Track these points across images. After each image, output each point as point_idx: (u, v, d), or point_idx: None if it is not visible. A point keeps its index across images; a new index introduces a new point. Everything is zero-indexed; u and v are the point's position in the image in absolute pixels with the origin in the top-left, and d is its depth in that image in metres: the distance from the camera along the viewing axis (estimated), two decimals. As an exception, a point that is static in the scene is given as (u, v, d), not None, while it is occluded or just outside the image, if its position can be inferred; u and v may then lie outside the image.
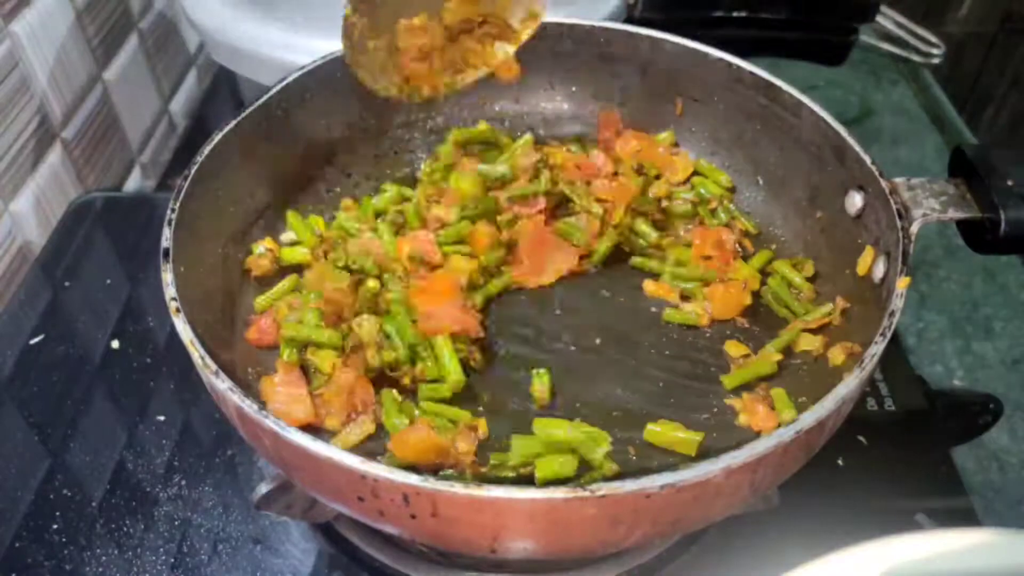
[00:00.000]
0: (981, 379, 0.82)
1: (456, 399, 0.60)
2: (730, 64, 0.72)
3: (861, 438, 0.70)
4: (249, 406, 0.48)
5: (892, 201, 0.58)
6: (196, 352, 0.51)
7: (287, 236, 0.71)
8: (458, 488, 0.44)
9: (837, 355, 0.60)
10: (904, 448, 0.71)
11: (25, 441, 0.71)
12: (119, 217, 0.93)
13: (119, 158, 1.05)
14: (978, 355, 0.84)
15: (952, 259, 0.94)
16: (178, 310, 0.53)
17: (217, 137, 0.64)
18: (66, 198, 0.94)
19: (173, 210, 0.58)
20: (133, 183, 1.08)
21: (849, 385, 0.49)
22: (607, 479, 0.49)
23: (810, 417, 0.47)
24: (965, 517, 0.66)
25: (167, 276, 0.54)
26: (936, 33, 1.26)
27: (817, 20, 1.19)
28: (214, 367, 0.50)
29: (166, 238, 0.57)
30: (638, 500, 0.44)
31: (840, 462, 0.69)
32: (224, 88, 1.24)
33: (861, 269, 0.62)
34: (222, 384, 0.49)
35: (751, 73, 0.71)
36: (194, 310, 0.55)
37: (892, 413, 0.73)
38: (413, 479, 0.44)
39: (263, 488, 0.58)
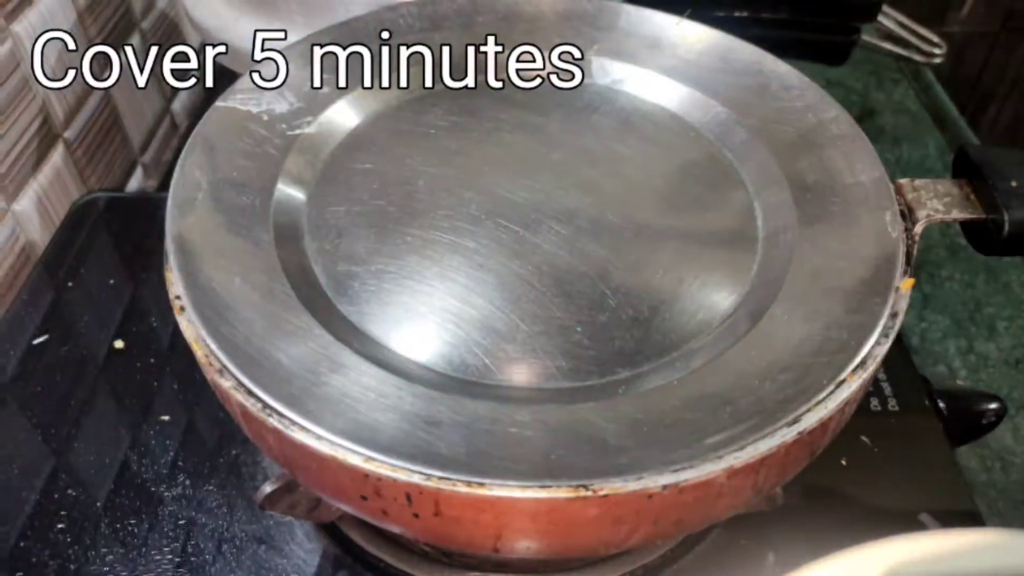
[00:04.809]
0: (984, 379, 0.82)
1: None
2: (733, 64, 0.72)
3: (865, 438, 0.70)
4: (253, 404, 0.48)
5: (896, 202, 0.58)
6: (200, 350, 0.51)
7: None
8: (460, 487, 0.44)
9: None
10: (908, 448, 0.70)
11: (29, 441, 0.71)
12: (121, 217, 0.93)
13: (121, 158, 1.05)
14: (981, 355, 0.84)
15: (955, 259, 0.94)
16: (182, 308, 0.53)
17: (220, 137, 0.64)
18: (68, 198, 0.94)
19: (177, 210, 0.58)
20: (135, 183, 1.08)
21: (852, 386, 0.49)
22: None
23: (812, 417, 0.47)
24: (969, 517, 0.66)
25: (170, 274, 0.54)
26: (938, 33, 1.26)
27: (818, 20, 1.19)
28: (218, 364, 0.50)
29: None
30: (640, 500, 0.44)
31: (844, 462, 0.69)
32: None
33: (864, 269, 0.62)
34: (226, 382, 0.49)
35: (754, 73, 0.71)
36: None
37: (895, 413, 0.73)
38: (416, 478, 0.44)
39: (267, 488, 0.57)
